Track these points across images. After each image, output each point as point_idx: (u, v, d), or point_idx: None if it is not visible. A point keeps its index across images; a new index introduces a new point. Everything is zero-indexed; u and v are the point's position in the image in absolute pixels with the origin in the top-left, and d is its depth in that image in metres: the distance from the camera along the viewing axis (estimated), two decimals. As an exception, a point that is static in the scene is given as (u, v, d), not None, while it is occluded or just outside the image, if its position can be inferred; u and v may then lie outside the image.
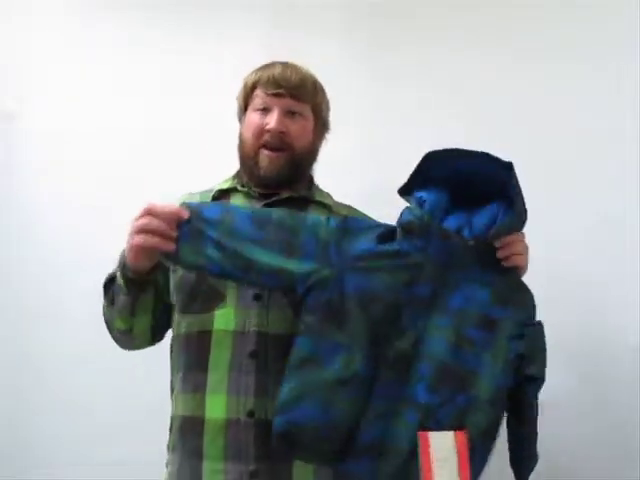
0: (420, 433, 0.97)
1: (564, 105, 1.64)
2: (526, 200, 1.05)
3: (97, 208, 1.74)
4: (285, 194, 1.22)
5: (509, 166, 1.04)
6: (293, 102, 1.22)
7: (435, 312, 1.05)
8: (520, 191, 1.04)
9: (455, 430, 0.98)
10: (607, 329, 1.55)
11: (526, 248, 1.10)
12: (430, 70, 1.74)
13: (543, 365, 1.06)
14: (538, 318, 1.09)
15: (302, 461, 1.08)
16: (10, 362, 1.73)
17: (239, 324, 1.13)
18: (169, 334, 1.24)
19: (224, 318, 1.13)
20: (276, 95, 1.21)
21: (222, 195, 1.25)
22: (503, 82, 1.69)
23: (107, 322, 1.22)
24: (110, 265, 1.19)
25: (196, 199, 1.22)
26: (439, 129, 1.63)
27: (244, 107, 1.27)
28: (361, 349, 1.03)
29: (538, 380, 1.05)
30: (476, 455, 1.00)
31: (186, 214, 1.05)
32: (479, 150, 1.05)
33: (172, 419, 1.19)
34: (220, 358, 1.12)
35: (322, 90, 1.28)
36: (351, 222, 1.12)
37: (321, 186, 1.32)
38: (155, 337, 1.24)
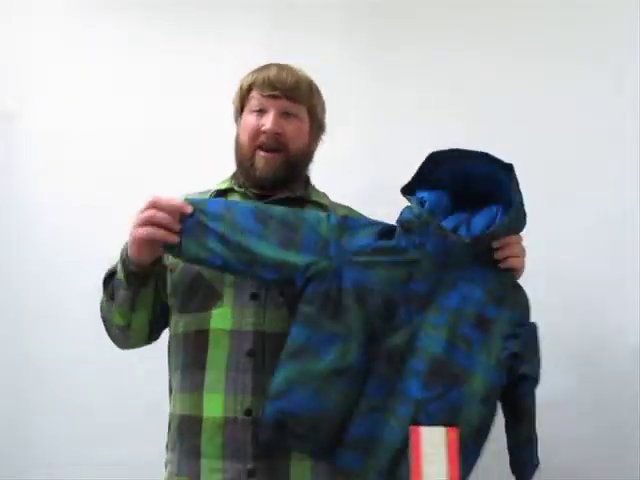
0: (412, 427, 0.98)
1: (564, 105, 1.64)
2: (526, 200, 1.05)
3: (97, 208, 1.74)
4: (281, 195, 1.22)
5: (509, 167, 1.04)
6: (289, 103, 1.22)
7: (431, 310, 1.05)
8: (520, 193, 1.05)
9: (447, 426, 0.98)
10: (607, 329, 1.55)
11: (523, 251, 1.11)
12: (430, 70, 1.74)
13: (537, 365, 1.06)
14: (538, 318, 1.09)
15: (293, 450, 1.07)
16: (10, 362, 1.72)
17: (236, 323, 1.13)
18: (166, 333, 1.24)
19: (221, 317, 1.14)
20: (272, 97, 1.21)
21: (219, 196, 1.25)
22: (503, 82, 1.69)
23: (105, 318, 1.22)
24: (110, 265, 1.19)
25: (194, 200, 1.23)
26: (439, 129, 1.63)
27: (240, 109, 1.27)
28: (357, 341, 1.04)
29: (531, 379, 1.05)
30: (467, 452, 1.00)
31: (190, 208, 1.06)
32: (479, 150, 1.05)
33: (170, 418, 1.19)
34: (217, 357, 1.12)
35: (318, 92, 1.28)
36: (351, 219, 1.13)
37: (321, 186, 1.32)
38: (152, 335, 1.24)
